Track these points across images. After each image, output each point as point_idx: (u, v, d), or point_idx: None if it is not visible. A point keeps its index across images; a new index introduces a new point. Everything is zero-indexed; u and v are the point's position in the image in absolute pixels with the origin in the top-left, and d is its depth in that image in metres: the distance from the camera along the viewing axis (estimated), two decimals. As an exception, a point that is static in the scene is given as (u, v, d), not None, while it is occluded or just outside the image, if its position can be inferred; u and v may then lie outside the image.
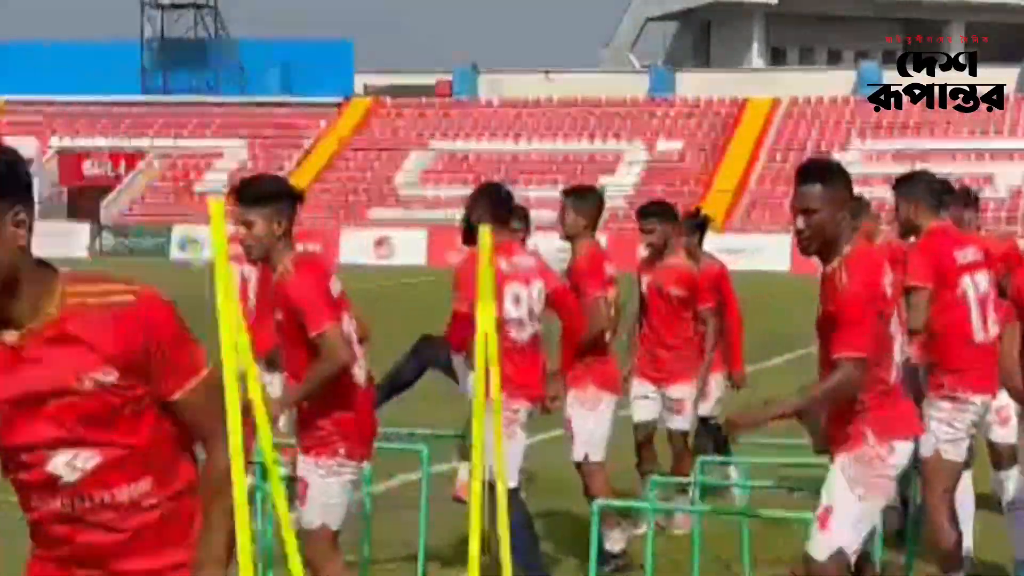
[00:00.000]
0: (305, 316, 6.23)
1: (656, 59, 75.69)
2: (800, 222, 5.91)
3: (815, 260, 6.05)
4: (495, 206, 7.93)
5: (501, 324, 7.66)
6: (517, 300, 7.85)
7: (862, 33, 74.17)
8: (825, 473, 9.17)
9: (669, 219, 9.61)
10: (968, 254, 7.65)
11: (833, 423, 5.99)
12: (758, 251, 45.31)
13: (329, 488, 6.42)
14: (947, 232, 7.74)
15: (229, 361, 3.13)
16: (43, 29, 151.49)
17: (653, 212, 9.62)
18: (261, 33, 73.32)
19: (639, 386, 9.62)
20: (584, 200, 8.84)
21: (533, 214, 10.13)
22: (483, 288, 4.48)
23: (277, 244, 6.31)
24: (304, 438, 6.48)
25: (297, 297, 6.26)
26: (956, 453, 7.50)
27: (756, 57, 75.09)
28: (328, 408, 6.39)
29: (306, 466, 6.45)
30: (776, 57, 76.55)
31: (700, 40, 78.83)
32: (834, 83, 62.20)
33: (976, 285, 7.61)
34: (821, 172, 5.98)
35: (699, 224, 10.38)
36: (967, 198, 8.75)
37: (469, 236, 7.98)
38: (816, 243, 5.90)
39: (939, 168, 50.43)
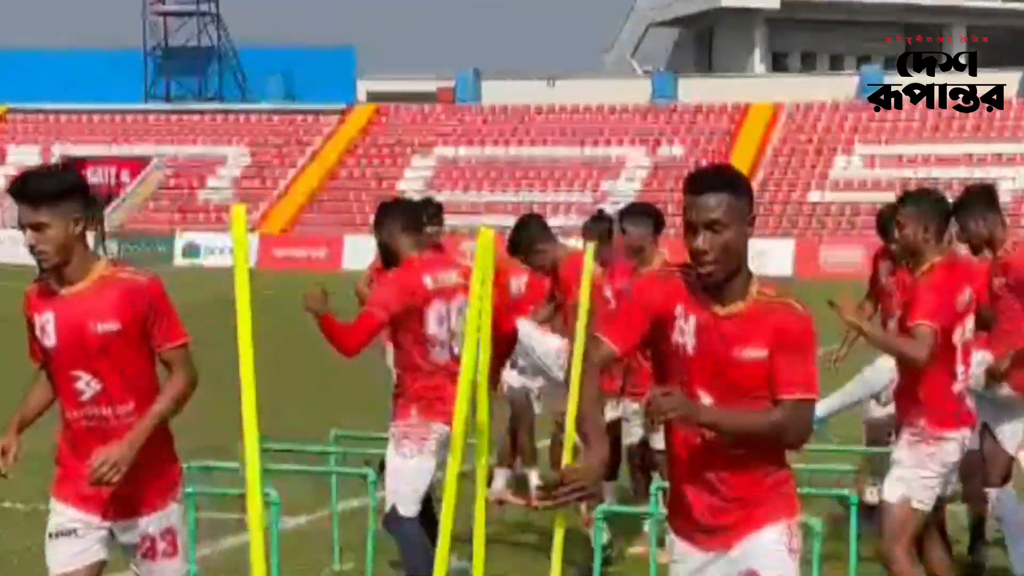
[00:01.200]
0: (166, 324, 5.41)
1: (658, 65, 75.80)
2: (702, 240, 4.59)
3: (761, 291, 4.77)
4: (407, 219, 7.73)
5: (423, 343, 7.50)
6: (440, 319, 7.52)
7: (863, 38, 74.28)
8: (834, 474, 9.21)
9: (645, 223, 9.16)
10: (966, 298, 7.21)
11: (761, 497, 4.76)
12: (760, 255, 45.13)
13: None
14: (956, 269, 7.28)
15: (246, 360, 3.16)
16: (46, 37, 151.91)
17: (631, 214, 9.31)
18: (263, 40, 73.28)
19: (624, 406, 9.27)
20: None
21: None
22: (486, 289, 4.51)
23: (76, 247, 5.30)
24: (160, 487, 5.52)
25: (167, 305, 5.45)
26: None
27: (758, 63, 75.20)
28: (168, 437, 5.57)
29: (173, 516, 5.56)
30: (778, 63, 76.66)
31: (702, 46, 78.94)
32: (836, 88, 62.24)
33: (964, 331, 7.23)
34: (727, 179, 4.67)
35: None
36: (989, 197, 8.13)
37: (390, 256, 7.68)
38: (724, 267, 4.62)
39: (942, 172, 50.74)
